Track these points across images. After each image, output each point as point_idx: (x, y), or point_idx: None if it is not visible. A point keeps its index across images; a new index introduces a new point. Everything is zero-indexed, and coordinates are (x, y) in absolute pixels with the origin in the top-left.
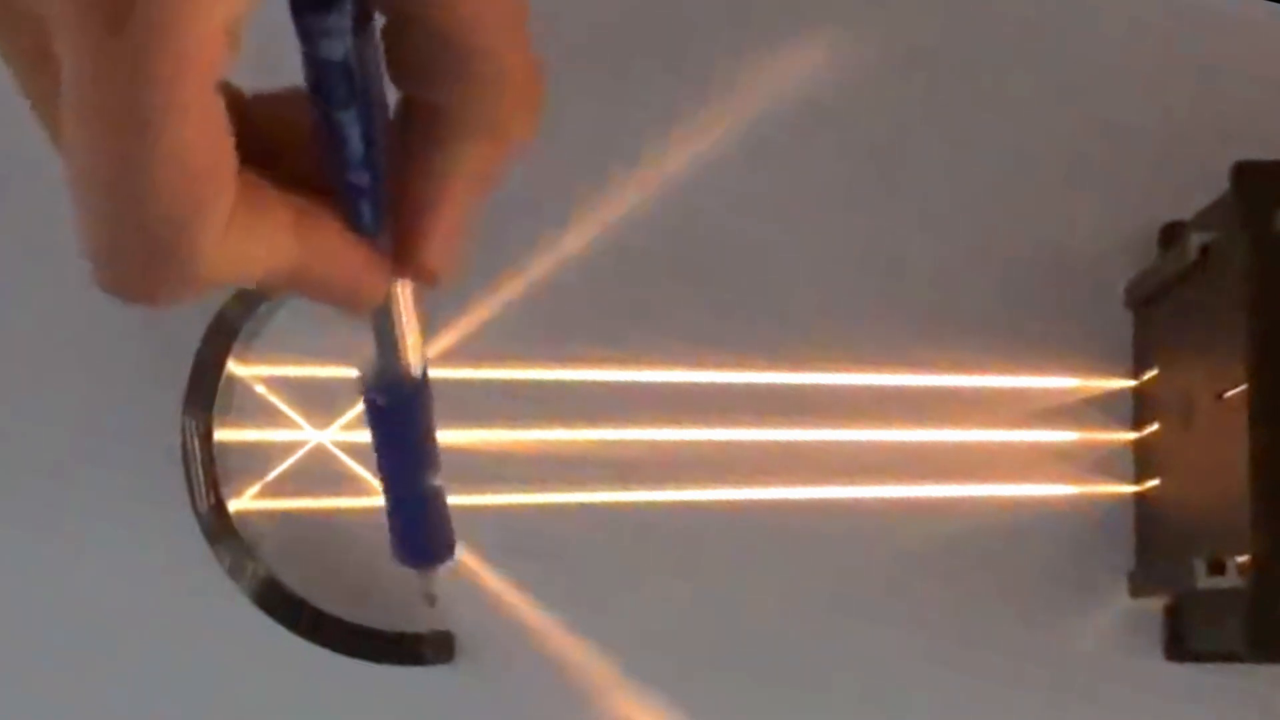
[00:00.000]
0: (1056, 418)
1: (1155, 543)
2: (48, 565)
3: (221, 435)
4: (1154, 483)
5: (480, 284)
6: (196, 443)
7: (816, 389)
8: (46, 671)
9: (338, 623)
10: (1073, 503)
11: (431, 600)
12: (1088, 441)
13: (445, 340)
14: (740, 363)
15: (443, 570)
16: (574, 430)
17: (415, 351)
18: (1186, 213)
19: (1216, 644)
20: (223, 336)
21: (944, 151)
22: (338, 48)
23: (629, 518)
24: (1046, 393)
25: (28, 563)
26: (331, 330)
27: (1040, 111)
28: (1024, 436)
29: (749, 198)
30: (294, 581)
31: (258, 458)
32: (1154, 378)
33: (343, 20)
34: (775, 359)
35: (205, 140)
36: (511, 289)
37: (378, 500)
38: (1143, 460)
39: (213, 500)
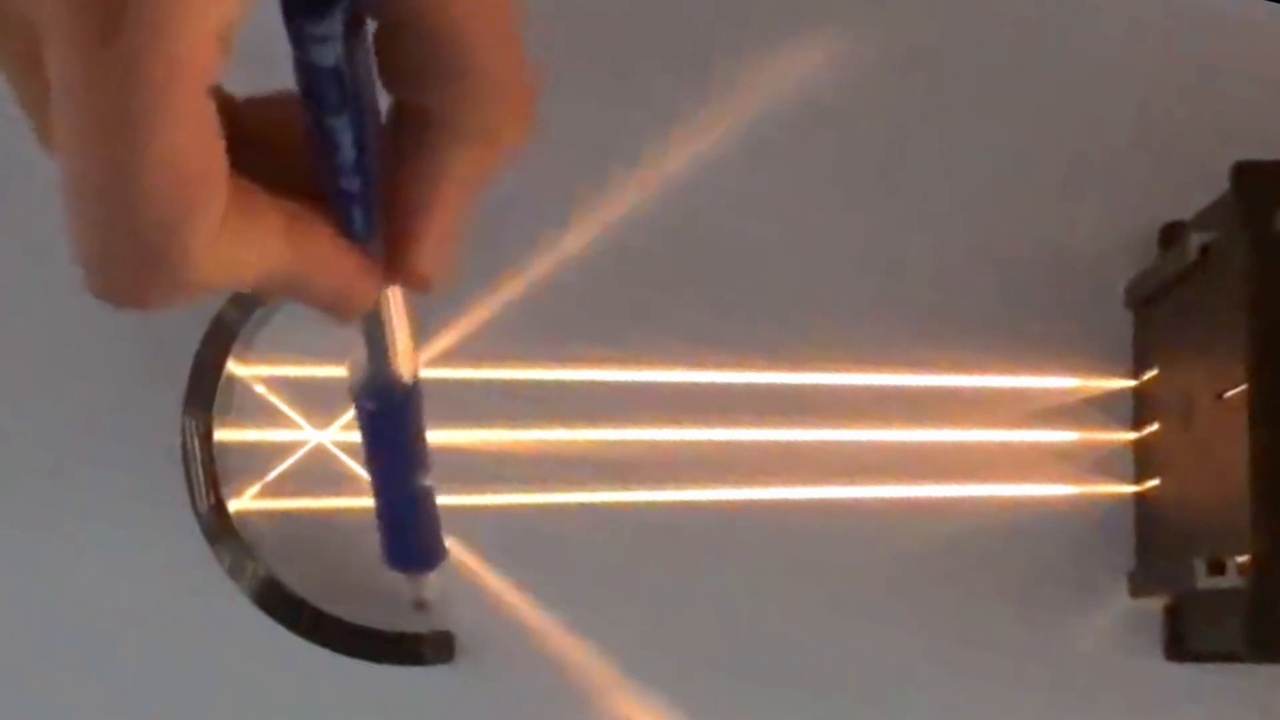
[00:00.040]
0: (1056, 418)
1: (1155, 543)
2: (48, 565)
3: (221, 435)
4: (1154, 483)
5: (480, 284)
6: (196, 443)
7: (816, 389)
8: (46, 671)
9: (338, 623)
10: (1073, 503)
11: (423, 606)
12: (1088, 441)
13: (445, 340)
14: (740, 363)
15: (434, 575)
16: (574, 430)
17: (406, 357)
18: (1186, 213)
19: (1216, 644)
20: (222, 337)
21: (944, 151)
22: (330, 54)
23: (629, 518)
24: (1046, 393)
25: (28, 563)
26: (331, 330)
27: (1040, 111)
28: (1024, 436)
29: (749, 198)
30: (294, 581)
31: (258, 458)
32: (1154, 378)
33: (335, 26)
34: (775, 359)
35: (197, 145)
36: (511, 289)
37: None
38: (1143, 460)
39: (213, 500)
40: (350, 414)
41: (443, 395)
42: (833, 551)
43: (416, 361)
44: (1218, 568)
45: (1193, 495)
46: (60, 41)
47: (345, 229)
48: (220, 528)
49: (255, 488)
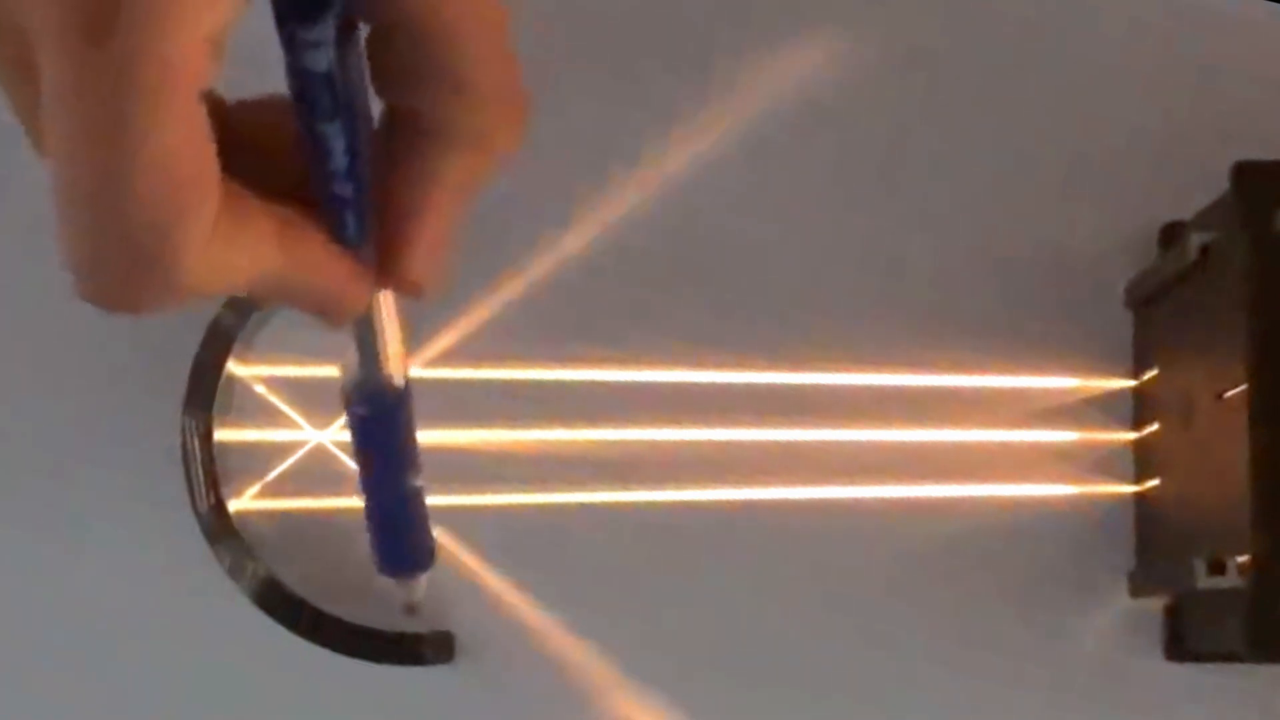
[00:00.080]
0: (1056, 418)
1: (1155, 543)
2: (48, 565)
3: (221, 435)
4: (1154, 483)
5: (480, 284)
6: (196, 443)
7: (816, 389)
8: (46, 671)
9: (338, 623)
10: (1073, 503)
11: (412, 610)
12: (1088, 441)
13: (445, 340)
14: (740, 363)
15: (423, 579)
16: (574, 430)
17: (397, 361)
18: (1186, 213)
19: (1216, 644)
20: (222, 337)
21: (944, 151)
22: (322, 59)
23: (629, 518)
24: (1046, 393)
25: (28, 563)
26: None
27: (1040, 111)
28: (1024, 436)
29: (749, 198)
30: (294, 581)
31: (258, 458)
32: (1154, 378)
33: (327, 31)
34: (775, 359)
35: (189, 149)
36: (511, 289)
37: None
38: (1143, 460)
39: (213, 500)
40: None
41: (443, 395)
42: (833, 551)
43: (408, 365)
44: (1218, 568)
45: (1193, 495)
46: (52, 46)
47: (337, 234)
48: (220, 528)
49: (255, 488)
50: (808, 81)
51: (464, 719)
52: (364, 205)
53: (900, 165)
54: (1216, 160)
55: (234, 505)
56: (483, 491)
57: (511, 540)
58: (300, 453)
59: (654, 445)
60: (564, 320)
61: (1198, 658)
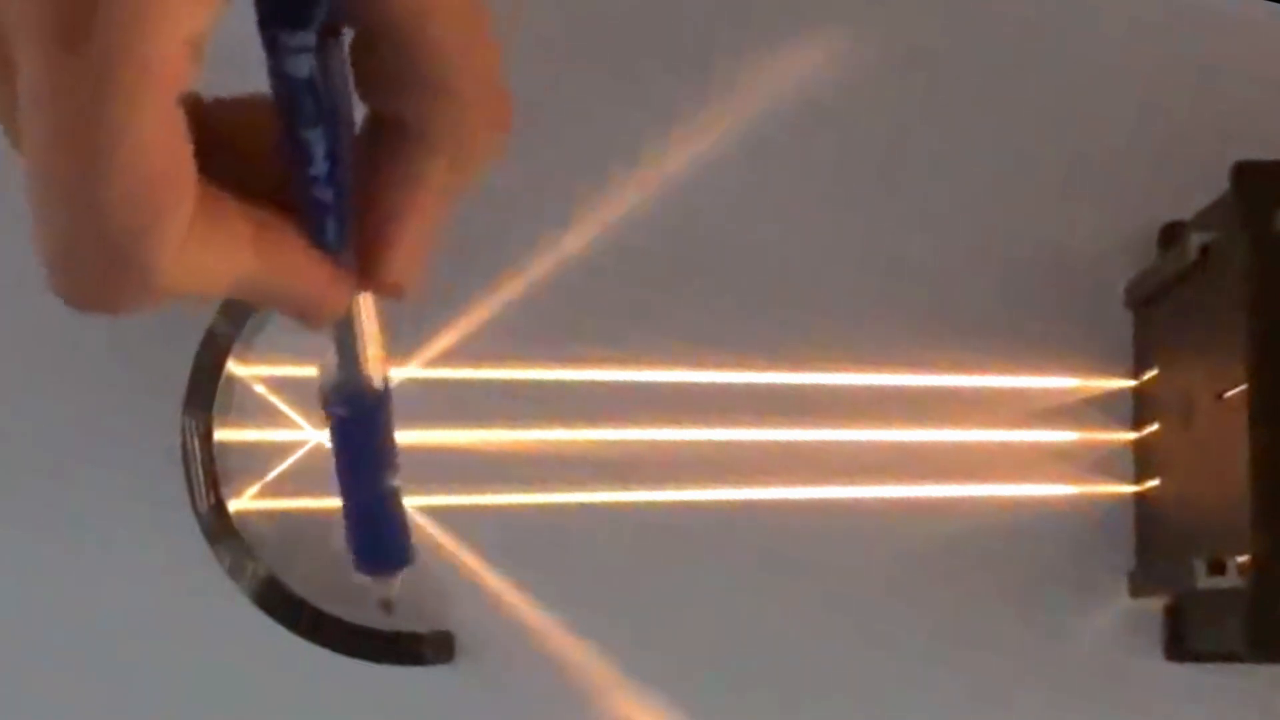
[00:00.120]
0: (1056, 418)
1: (1155, 543)
2: (48, 565)
3: (221, 435)
4: (1154, 483)
5: (480, 284)
6: (196, 443)
7: (816, 389)
8: (46, 671)
9: (338, 623)
10: (1073, 503)
11: (388, 607)
12: (1088, 441)
13: (445, 340)
14: (740, 363)
15: (400, 577)
16: (574, 430)
17: (377, 363)
18: (1186, 213)
19: (1216, 644)
20: (222, 338)
21: (944, 151)
22: (305, 65)
23: (629, 518)
24: (1046, 393)
25: (28, 563)
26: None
27: (1040, 111)
28: (1024, 436)
29: (749, 198)
30: (294, 581)
31: (258, 458)
32: (1154, 378)
33: (311, 37)
34: (775, 359)
35: (165, 151)
36: (511, 289)
37: None
38: (1143, 460)
39: (213, 500)
40: None
41: (443, 395)
42: (833, 551)
43: (388, 367)
44: (1218, 568)
45: (1193, 495)
46: (29, 46)
47: (316, 239)
48: (220, 528)
49: (255, 488)
50: (808, 81)
51: (464, 719)
52: (344, 210)
53: (900, 165)
54: (1216, 160)
55: (234, 505)
56: (483, 491)
57: (511, 540)
58: (300, 453)
59: (654, 445)
60: (564, 320)
61: (1198, 658)
